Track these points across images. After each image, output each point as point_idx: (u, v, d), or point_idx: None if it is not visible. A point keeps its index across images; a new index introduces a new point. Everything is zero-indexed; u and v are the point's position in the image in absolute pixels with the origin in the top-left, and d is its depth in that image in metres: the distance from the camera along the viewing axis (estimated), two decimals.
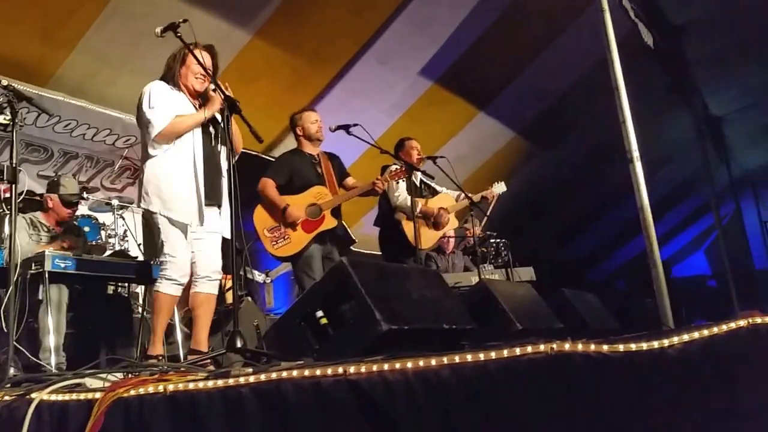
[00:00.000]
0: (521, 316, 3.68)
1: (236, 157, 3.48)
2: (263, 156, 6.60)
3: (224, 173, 3.40)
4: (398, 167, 4.57)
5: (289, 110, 4.75)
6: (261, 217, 4.35)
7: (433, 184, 5.42)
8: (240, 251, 4.56)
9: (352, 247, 8.47)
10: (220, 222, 3.39)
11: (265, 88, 6.36)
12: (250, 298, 5.08)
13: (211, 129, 3.41)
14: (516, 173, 9.69)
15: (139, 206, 3.37)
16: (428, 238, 5.20)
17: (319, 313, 2.59)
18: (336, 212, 4.46)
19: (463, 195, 5.28)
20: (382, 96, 7.42)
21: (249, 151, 6.40)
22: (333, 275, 2.65)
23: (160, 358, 3.19)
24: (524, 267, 5.89)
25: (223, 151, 3.43)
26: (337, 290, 2.58)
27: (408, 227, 4.97)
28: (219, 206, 3.40)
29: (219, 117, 3.38)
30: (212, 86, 3.29)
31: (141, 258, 4.95)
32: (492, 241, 6.01)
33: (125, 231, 5.35)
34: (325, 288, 2.65)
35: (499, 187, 5.55)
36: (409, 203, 4.83)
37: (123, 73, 5.66)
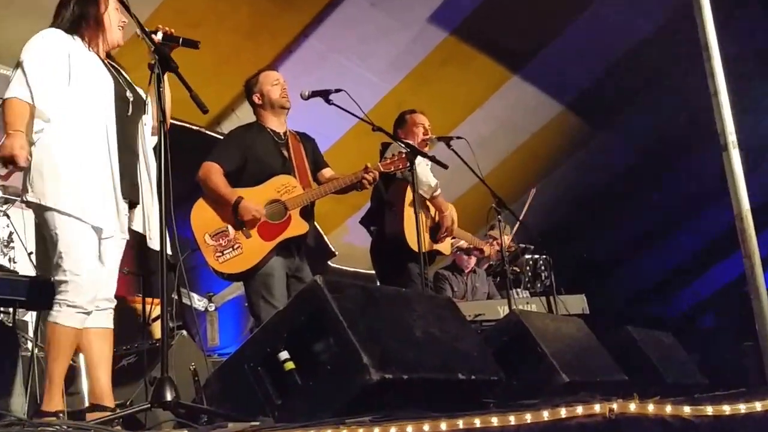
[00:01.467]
0: (568, 364, 3.69)
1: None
2: (208, 132, 6.55)
3: (141, 156, 3.43)
4: (397, 153, 4.57)
5: (245, 68, 4.75)
6: (201, 217, 4.33)
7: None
8: (173, 266, 4.38)
9: (330, 262, 8.46)
10: (125, 226, 3.41)
11: (211, 38, 6.27)
12: (185, 333, 5.03)
13: (127, 92, 3.42)
14: (562, 163, 9.66)
15: (24, 200, 3.33)
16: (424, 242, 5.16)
17: (283, 355, 2.58)
18: (307, 213, 4.44)
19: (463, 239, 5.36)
20: (376, 51, 7.36)
21: (188, 125, 6.42)
22: (303, 302, 2.64)
23: (60, 415, 3.14)
24: (573, 294, 5.86)
25: (142, 124, 3.46)
26: (308, 323, 2.57)
27: (409, 224, 4.96)
28: (133, 204, 3.44)
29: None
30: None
31: (33, 272, 4.90)
32: (528, 257, 5.94)
33: (11, 234, 5.30)
34: (292, 319, 2.64)
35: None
36: (432, 182, 4.89)
37: (8, 14, 5.61)
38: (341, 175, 4.54)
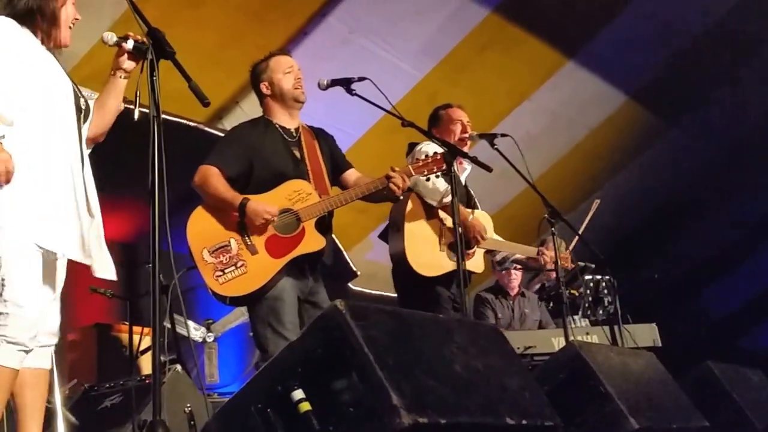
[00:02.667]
0: (637, 407, 3.67)
1: (98, 140, 3.58)
2: (207, 129, 6.60)
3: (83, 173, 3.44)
4: (432, 155, 4.57)
5: (252, 53, 4.72)
6: (200, 228, 4.31)
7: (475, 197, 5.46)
8: (165, 287, 4.54)
9: (351, 284, 8.69)
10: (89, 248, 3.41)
11: (211, 18, 6.34)
12: (180, 367, 5.01)
13: (81, 100, 3.44)
14: (627, 165, 9.70)
15: None
16: (436, 263, 5.12)
17: (297, 395, 2.58)
18: (324, 225, 4.43)
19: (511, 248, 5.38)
20: (406, 32, 7.38)
21: (184, 120, 6.53)
22: (320, 331, 2.64)
23: None
24: (642, 323, 5.86)
25: (85, 131, 3.47)
26: (326, 356, 2.58)
27: (414, 242, 4.97)
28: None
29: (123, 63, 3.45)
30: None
31: None
32: (588, 277, 6.00)
33: None
34: (307, 352, 2.64)
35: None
36: (441, 187, 4.89)
37: None
38: (369, 178, 4.52)
